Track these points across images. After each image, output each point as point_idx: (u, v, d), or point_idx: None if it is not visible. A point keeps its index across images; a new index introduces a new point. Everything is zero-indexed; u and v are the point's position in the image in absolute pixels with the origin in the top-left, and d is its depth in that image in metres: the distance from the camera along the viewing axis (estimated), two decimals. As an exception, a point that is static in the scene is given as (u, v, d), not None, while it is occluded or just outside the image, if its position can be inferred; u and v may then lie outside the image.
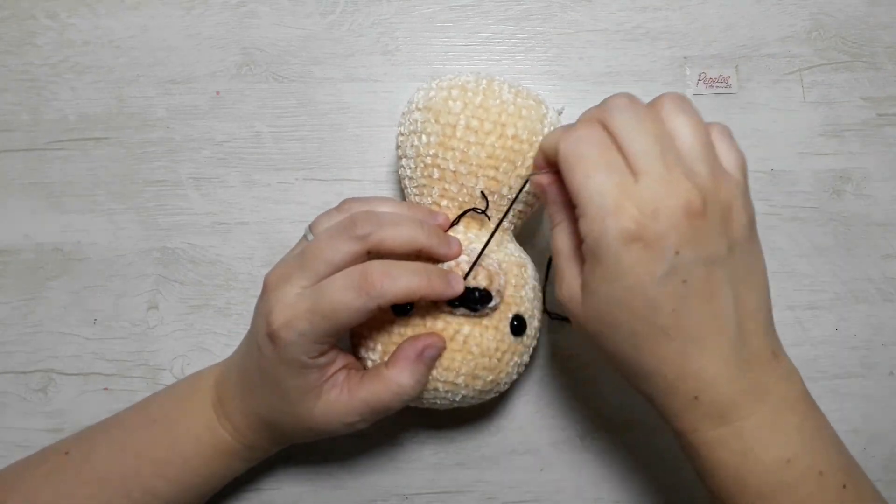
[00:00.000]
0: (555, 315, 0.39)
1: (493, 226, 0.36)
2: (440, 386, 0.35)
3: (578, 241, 0.30)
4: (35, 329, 0.43)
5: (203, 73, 0.46)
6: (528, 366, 0.38)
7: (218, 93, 0.46)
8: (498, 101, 0.36)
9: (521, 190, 0.35)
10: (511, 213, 0.38)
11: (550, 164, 0.32)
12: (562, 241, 0.32)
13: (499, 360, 0.35)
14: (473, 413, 0.43)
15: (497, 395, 0.38)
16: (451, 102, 0.36)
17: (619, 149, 0.28)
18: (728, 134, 0.31)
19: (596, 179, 0.28)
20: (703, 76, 0.48)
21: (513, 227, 0.39)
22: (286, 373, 0.32)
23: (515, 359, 0.36)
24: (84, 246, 0.44)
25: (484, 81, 0.37)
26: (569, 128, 0.30)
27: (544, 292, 0.38)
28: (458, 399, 0.36)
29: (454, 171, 0.36)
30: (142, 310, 0.44)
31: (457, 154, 0.35)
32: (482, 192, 0.36)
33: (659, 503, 0.43)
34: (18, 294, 0.43)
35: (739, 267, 0.29)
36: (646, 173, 0.28)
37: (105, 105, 0.45)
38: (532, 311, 0.36)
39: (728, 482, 0.30)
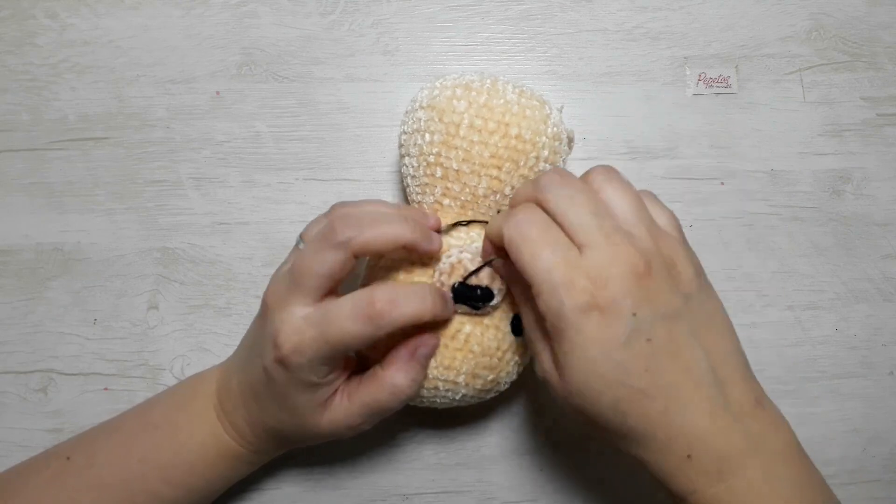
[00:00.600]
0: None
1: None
2: (440, 385, 0.35)
3: (542, 318, 0.31)
4: (35, 329, 0.43)
5: (203, 73, 0.46)
6: (528, 365, 0.38)
7: (218, 93, 0.46)
8: (502, 101, 0.36)
9: (478, 269, 0.34)
10: None
11: (499, 249, 0.32)
12: (529, 320, 0.32)
13: (499, 359, 0.35)
14: (473, 413, 0.43)
15: (497, 394, 0.38)
16: (455, 101, 0.36)
17: (560, 225, 0.30)
18: (655, 197, 0.33)
19: (543, 258, 0.28)
20: (703, 76, 0.48)
21: None
22: (295, 392, 0.32)
23: (516, 358, 0.36)
24: (84, 246, 0.44)
25: (488, 81, 0.37)
26: (509, 213, 0.31)
27: None
28: (458, 398, 0.36)
29: (457, 170, 0.36)
30: (142, 310, 0.44)
31: (460, 153, 0.35)
32: (497, 212, 0.37)
33: (659, 503, 0.43)
34: (18, 294, 0.43)
35: (699, 317, 0.30)
36: (588, 245, 0.29)
37: (105, 105, 0.45)
38: None
39: None
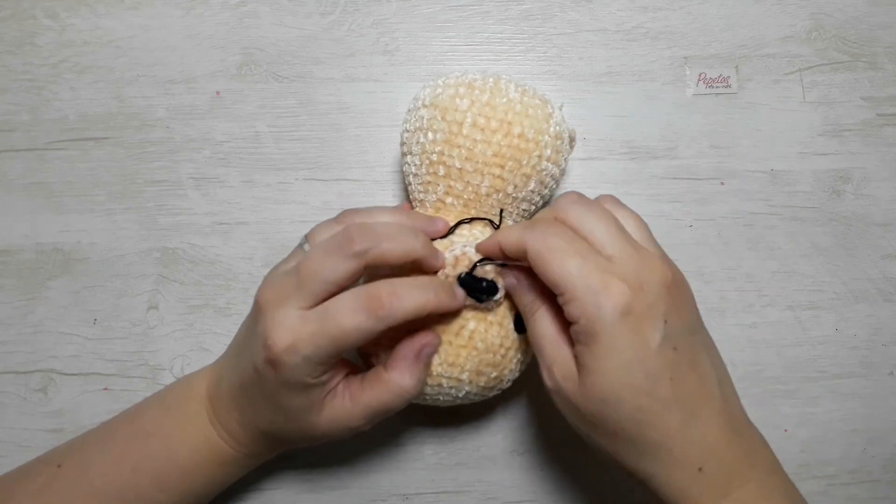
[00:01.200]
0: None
1: (500, 226, 0.37)
2: (444, 382, 0.34)
3: (562, 325, 0.31)
4: (35, 329, 0.43)
5: (203, 73, 0.46)
6: (528, 365, 0.38)
7: (218, 93, 0.46)
8: (505, 100, 0.36)
9: (482, 260, 0.34)
10: (516, 211, 0.38)
11: (511, 259, 0.32)
12: (544, 326, 0.32)
13: (503, 356, 0.35)
14: (474, 413, 0.43)
15: (499, 392, 0.38)
16: (458, 100, 0.36)
17: (585, 239, 0.31)
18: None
19: (574, 264, 0.29)
20: (703, 76, 0.48)
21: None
22: (288, 394, 0.32)
23: (518, 356, 0.36)
24: (84, 246, 0.44)
25: (491, 80, 0.37)
26: (529, 225, 0.32)
27: None
28: (461, 395, 0.35)
29: (460, 169, 0.36)
30: (142, 310, 0.44)
31: (463, 151, 0.35)
32: (500, 211, 0.37)
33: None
34: (18, 294, 0.43)
35: (706, 335, 0.33)
36: (618, 255, 0.30)
37: (105, 105, 0.45)
38: None
39: None
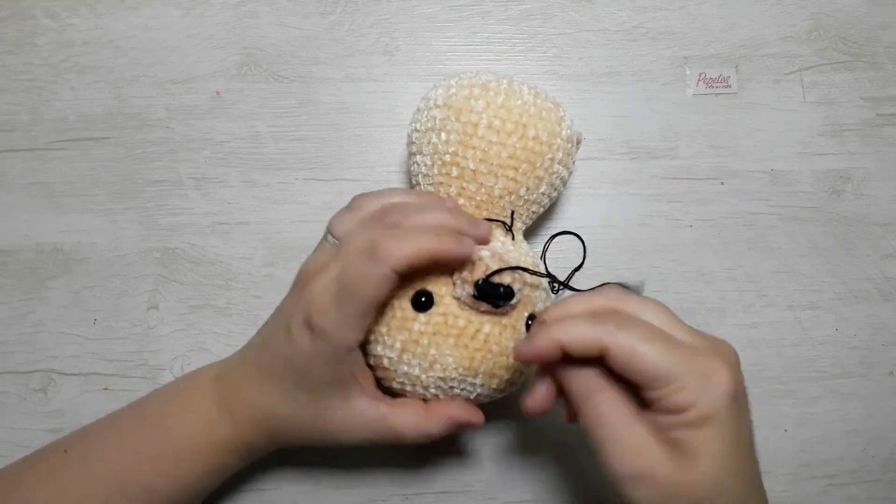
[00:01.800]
0: (564, 285, 0.38)
1: (511, 228, 0.37)
2: (456, 384, 0.34)
3: (635, 407, 0.30)
4: (35, 329, 0.43)
5: (203, 73, 0.46)
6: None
7: (218, 93, 0.46)
8: (519, 102, 0.36)
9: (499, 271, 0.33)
10: (526, 213, 0.38)
11: (577, 354, 0.30)
12: (610, 410, 0.30)
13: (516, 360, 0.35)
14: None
15: (508, 394, 0.37)
16: (472, 101, 0.35)
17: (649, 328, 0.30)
18: None
19: (673, 353, 0.29)
20: (703, 76, 0.48)
21: (524, 227, 0.39)
22: (318, 364, 0.32)
23: None
24: (84, 246, 0.44)
25: (504, 81, 0.36)
26: (595, 322, 0.30)
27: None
28: (472, 397, 0.35)
29: (474, 170, 0.35)
30: (142, 310, 0.44)
31: (477, 153, 0.35)
32: (511, 213, 0.37)
33: (659, 503, 0.43)
34: (18, 294, 0.43)
35: None
36: (692, 341, 0.30)
37: (105, 105, 0.45)
38: None
39: None
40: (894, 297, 0.46)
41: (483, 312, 0.34)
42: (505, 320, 0.35)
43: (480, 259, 0.34)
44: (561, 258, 0.43)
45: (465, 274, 0.33)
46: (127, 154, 0.45)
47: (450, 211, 0.34)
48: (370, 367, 0.36)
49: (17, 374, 0.43)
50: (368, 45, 0.47)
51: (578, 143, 0.39)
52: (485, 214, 0.37)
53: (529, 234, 0.44)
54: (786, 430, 0.45)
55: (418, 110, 0.38)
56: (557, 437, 0.44)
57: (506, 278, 0.33)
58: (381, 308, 0.34)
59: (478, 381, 0.34)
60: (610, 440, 0.30)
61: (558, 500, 0.43)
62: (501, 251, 0.35)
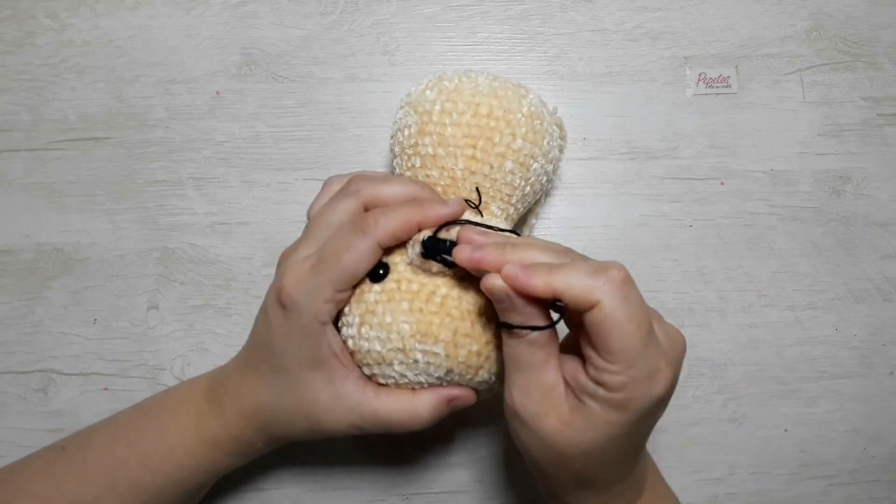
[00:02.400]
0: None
1: (483, 213, 0.36)
2: (420, 357, 0.32)
3: (558, 347, 0.30)
4: (35, 329, 0.43)
5: (203, 73, 0.46)
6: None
7: (218, 93, 0.46)
8: (472, 85, 0.36)
9: (553, 323, 0.30)
10: (499, 195, 0.36)
11: (570, 304, 0.29)
12: (540, 353, 0.30)
13: (482, 326, 0.33)
14: (473, 413, 0.43)
15: (489, 386, 0.35)
16: (427, 92, 0.37)
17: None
18: None
19: (643, 340, 0.28)
20: (703, 76, 0.48)
21: (506, 214, 0.38)
22: (292, 342, 0.32)
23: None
24: (84, 246, 0.44)
25: (462, 73, 0.37)
26: (595, 273, 0.28)
27: None
28: (443, 374, 0.33)
29: (433, 156, 0.36)
30: (142, 310, 0.44)
31: (434, 138, 0.36)
32: (477, 189, 0.36)
33: (659, 503, 0.43)
34: (18, 294, 0.43)
35: None
36: (659, 338, 0.30)
37: (105, 105, 0.45)
38: None
39: None
40: (894, 297, 0.46)
41: (436, 274, 0.33)
42: (465, 283, 0.33)
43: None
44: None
45: (415, 235, 0.33)
46: (127, 154, 0.45)
47: (413, 183, 0.35)
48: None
49: (17, 374, 0.43)
50: (368, 45, 0.47)
51: (561, 129, 0.39)
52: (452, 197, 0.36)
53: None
54: (786, 430, 0.45)
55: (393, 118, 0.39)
56: (557, 437, 0.44)
57: (453, 234, 0.32)
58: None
59: (440, 350, 0.32)
60: (526, 377, 0.30)
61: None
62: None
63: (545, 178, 0.38)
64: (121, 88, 0.46)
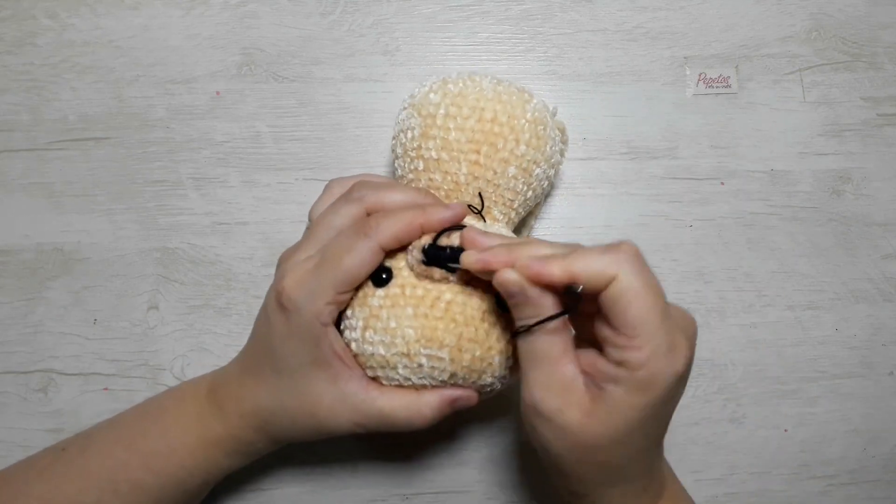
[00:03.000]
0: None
1: (485, 218, 0.36)
2: (424, 361, 0.32)
3: (573, 342, 0.30)
4: (35, 329, 0.43)
5: (203, 73, 0.46)
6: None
7: (218, 93, 0.46)
8: (476, 89, 0.36)
9: (571, 309, 0.30)
10: (501, 201, 0.37)
11: (588, 285, 0.29)
12: (555, 344, 0.30)
13: (486, 331, 0.33)
14: (473, 412, 0.43)
15: (491, 388, 0.35)
16: (431, 95, 0.36)
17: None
18: None
19: (661, 314, 0.28)
20: (703, 76, 0.48)
21: (509, 220, 0.38)
22: (293, 343, 0.32)
23: (508, 336, 0.34)
24: (84, 246, 0.44)
25: (466, 76, 0.37)
26: (609, 253, 0.28)
27: None
28: (446, 378, 0.33)
29: (437, 160, 0.36)
30: (142, 310, 0.44)
31: (438, 142, 0.36)
32: (479, 194, 0.36)
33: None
34: (18, 294, 0.43)
35: None
36: (673, 312, 0.30)
37: (105, 105, 0.45)
38: None
39: None
40: (894, 297, 0.46)
41: (439, 280, 0.33)
42: (469, 289, 0.33)
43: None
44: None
45: (415, 241, 0.33)
46: (127, 154, 0.45)
47: (416, 190, 0.35)
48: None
49: (17, 374, 0.43)
50: (368, 45, 0.47)
51: (563, 133, 0.39)
52: (455, 202, 0.36)
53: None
54: (786, 430, 0.45)
55: (395, 118, 0.39)
56: (557, 437, 0.44)
57: (454, 240, 0.32)
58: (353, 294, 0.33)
59: (444, 355, 0.32)
60: (540, 371, 0.30)
61: (558, 500, 0.43)
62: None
63: (546, 182, 0.39)
64: (121, 88, 0.46)
